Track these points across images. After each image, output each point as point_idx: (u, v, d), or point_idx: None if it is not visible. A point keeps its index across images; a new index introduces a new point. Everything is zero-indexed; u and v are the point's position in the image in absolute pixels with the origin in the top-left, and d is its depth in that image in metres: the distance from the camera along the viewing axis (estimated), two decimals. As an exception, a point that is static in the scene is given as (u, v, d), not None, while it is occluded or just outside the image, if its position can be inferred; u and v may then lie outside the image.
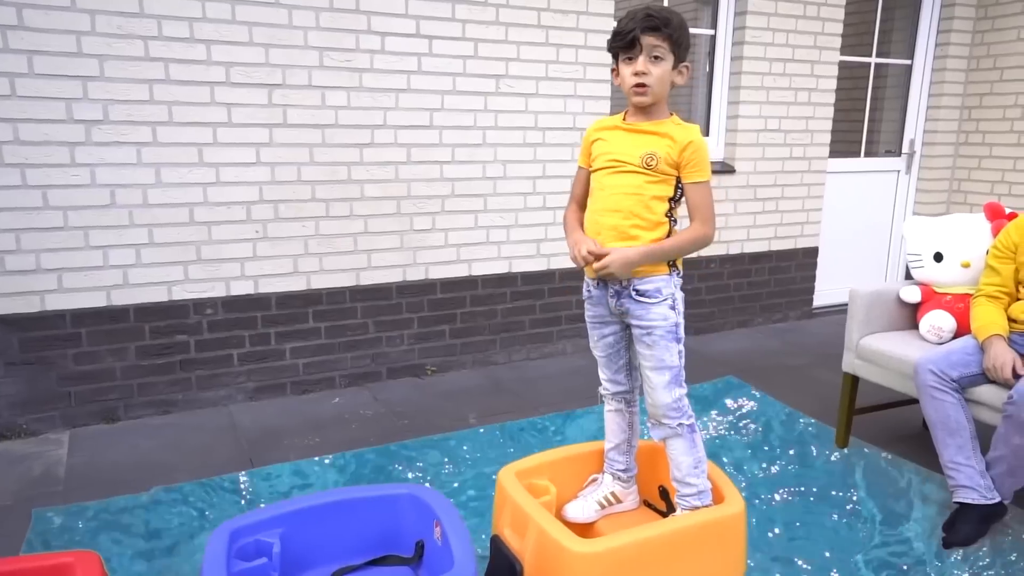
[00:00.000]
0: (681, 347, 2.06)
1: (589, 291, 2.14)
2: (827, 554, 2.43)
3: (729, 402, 3.65)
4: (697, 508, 2.11)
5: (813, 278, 5.27)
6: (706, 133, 4.82)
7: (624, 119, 2.07)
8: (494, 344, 4.26)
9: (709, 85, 4.74)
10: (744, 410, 3.56)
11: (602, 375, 2.25)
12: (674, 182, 1.99)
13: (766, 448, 3.18)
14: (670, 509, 2.30)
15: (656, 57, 1.92)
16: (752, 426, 3.40)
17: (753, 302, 5.09)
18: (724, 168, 4.76)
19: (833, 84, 4.93)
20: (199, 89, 3.31)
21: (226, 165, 3.42)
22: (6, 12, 2.93)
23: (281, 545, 1.85)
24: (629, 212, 1.97)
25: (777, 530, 2.57)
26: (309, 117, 3.54)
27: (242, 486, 2.81)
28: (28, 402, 3.23)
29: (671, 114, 2.04)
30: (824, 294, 5.42)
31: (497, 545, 2.02)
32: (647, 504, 2.39)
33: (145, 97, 3.21)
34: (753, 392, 3.76)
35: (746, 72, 4.63)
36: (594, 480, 2.36)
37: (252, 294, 3.59)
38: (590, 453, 2.38)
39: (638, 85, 1.94)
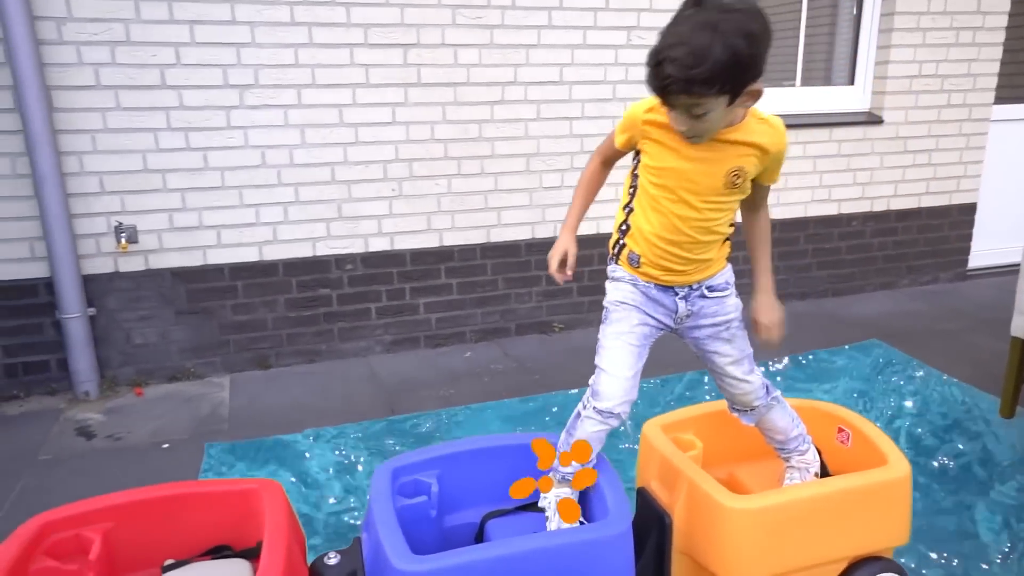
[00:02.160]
0: (747, 334, 1.88)
1: (647, 288, 1.78)
2: (991, 529, 2.27)
3: (874, 366, 3.45)
4: (804, 452, 2.03)
5: (969, 237, 4.85)
6: (850, 80, 4.49)
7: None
8: (621, 303, 4.22)
9: (856, 28, 4.40)
10: (892, 375, 3.36)
11: (614, 383, 1.73)
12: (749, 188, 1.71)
13: (920, 416, 2.99)
14: (823, 471, 2.21)
15: (698, 115, 1.50)
16: (902, 392, 3.20)
17: (899, 262, 4.75)
18: (870, 119, 4.43)
19: (1003, 21, 4.44)
20: (339, 51, 3.42)
21: (364, 125, 3.54)
22: (170, -16, 3.14)
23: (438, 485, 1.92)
24: (700, 240, 1.69)
25: (940, 502, 2.42)
26: (442, 75, 3.59)
27: (388, 430, 2.96)
28: (195, 348, 3.53)
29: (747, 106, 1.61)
30: (981, 255, 4.97)
31: (644, 498, 2.00)
32: None
33: (291, 61, 3.36)
34: (901, 356, 3.53)
35: (900, 12, 4.26)
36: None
37: (388, 250, 3.73)
38: None
39: (686, 137, 1.59)
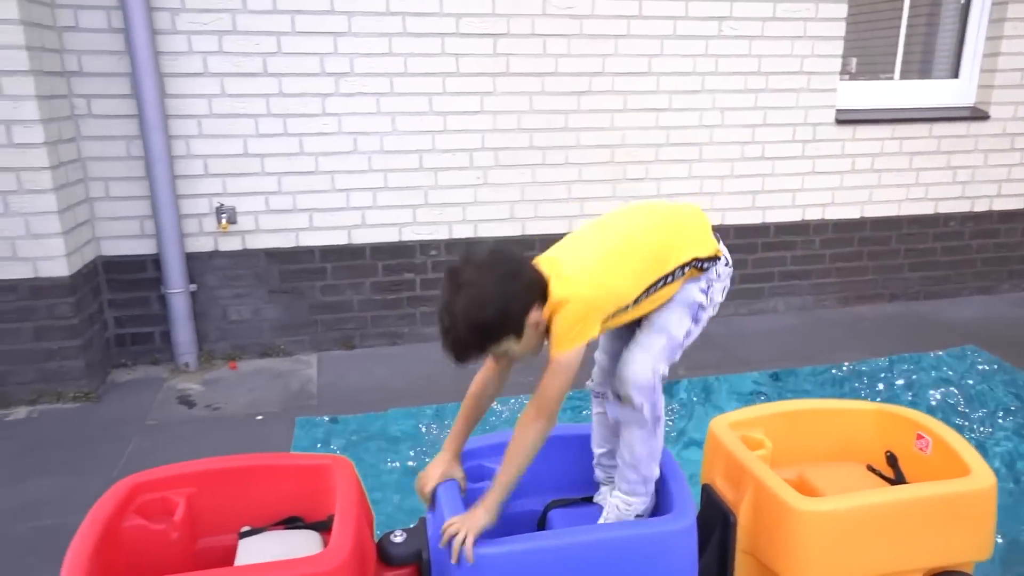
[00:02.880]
0: (692, 328, 1.74)
1: None
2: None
3: (969, 374, 3.30)
4: (637, 494, 1.79)
5: (1079, 242, 4.57)
6: (954, 73, 4.28)
7: None
8: (701, 297, 4.16)
9: (963, 18, 4.18)
10: (989, 384, 3.21)
11: (600, 350, 1.86)
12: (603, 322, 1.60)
13: (1019, 428, 2.85)
14: (899, 478, 2.14)
15: (500, 355, 1.59)
16: (1000, 401, 3.06)
17: (999, 266, 4.52)
18: (975, 114, 4.22)
19: None
20: (431, 40, 3.49)
21: (452, 113, 3.60)
22: (274, -24, 3.26)
23: None
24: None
25: (1034, 515, 2.32)
26: (530, 66, 3.61)
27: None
28: (285, 326, 3.68)
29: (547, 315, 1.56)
30: (1091, 260, 4.68)
31: (709, 494, 1.99)
32: (871, 470, 2.25)
33: (385, 50, 3.45)
34: (1002, 364, 3.37)
35: (1014, 0, 4.03)
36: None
37: (472, 237, 3.79)
38: (814, 411, 2.25)
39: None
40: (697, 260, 1.70)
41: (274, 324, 3.67)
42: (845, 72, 4.01)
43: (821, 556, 1.76)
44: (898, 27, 4.15)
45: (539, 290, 1.55)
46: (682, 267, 1.68)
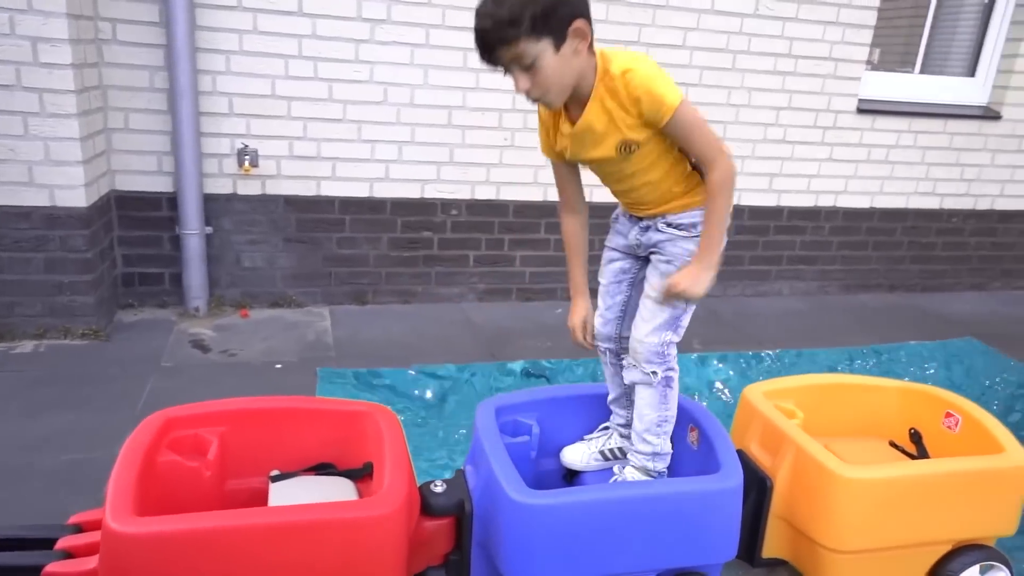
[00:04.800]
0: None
1: (617, 216, 1.84)
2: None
3: (971, 364, 3.41)
4: (649, 472, 1.83)
5: (1071, 246, 4.73)
6: (971, 72, 4.37)
7: (564, 116, 1.62)
8: (711, 276, 4.20)
9: (985, 17, 4.25)
10: (991, 374, 3.32)
11: (597, 310, 1.88)
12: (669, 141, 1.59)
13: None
14: (922, 454, 2.20)
15: (527, 66, 1.46)
16: (1003, 391, 3.17)
17: (994, 264, 4.66)
18: (987, 113, 4.31)
19: None
20: (469, -5, 3.40)
21: (485, 71, 3.50)
22: (315, -89, 3.14)
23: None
24: (640, 187, 1.66)
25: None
26: (567, 29, 3.56)
27: (489, 373, 3.01)
28: (298, 276, 3.60)
29: (595, 68, 1.53)
30: (1078, 265, 4.85)
31: (744, 460, 2.01)
32: (893, 445, 2.31)
33: None
34: (999, 357, 3.48)
35: (1037, 4, 4.12)
36: (605, 428, 2.02)
37: (493, 200, 3.75)
38: (841, 386, 2.29)
39: (534, 100, 1.54)
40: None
41: (287, 273, 3.59)
42: (868, 62, 4.05)
43: (860, 522, 1.81)
44: (923, 20, 4.20)
45: (588, 18, 1.48)
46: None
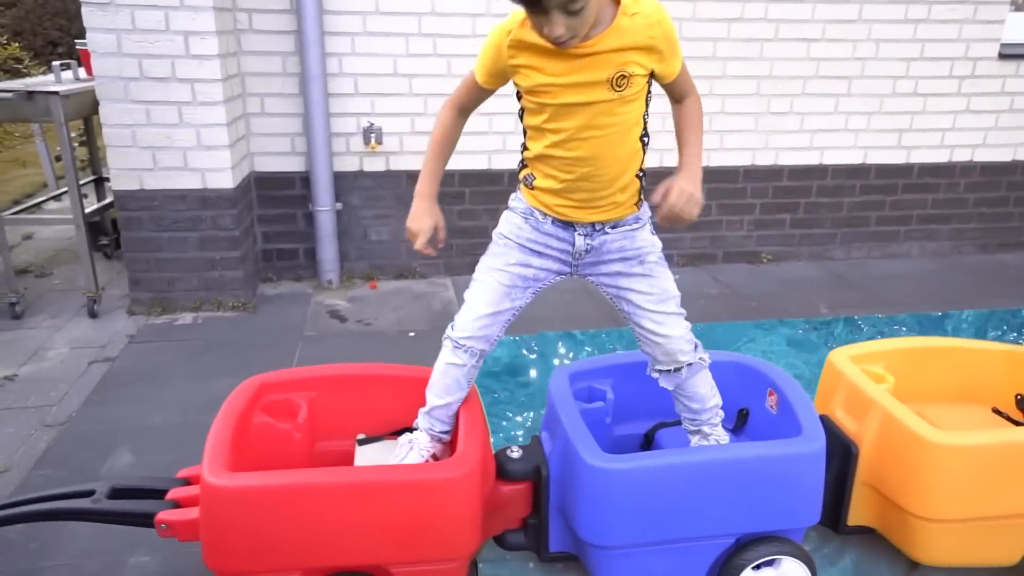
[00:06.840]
0: (670, 271, 1.71)
1: (531, 218, 1.64)
2: None
3: None
4: (720, 422, 1.84)
5: None
6: None
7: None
8: (834, 238, 4.06)
9: None
10: None
11: (469, 315, 1.71)
12: (645, 93, 1.54)
13: None
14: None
15: (576, 10, 1.34)
16: None
17: None
18: None
19: None
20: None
21: (600, 38, 3.51)
22: None
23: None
24: (610, 171, 1.56)
25: None
26: (683, -11, 3.49)
27: (618, 337, 3.06)
28: (422, 249, 3.73)
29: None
30: None
31: (828, 425, 1.91)
32: (997, 412, 2.17)
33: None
34: None
35: None
36: (408, 440, 1.79)
37: (609, 167, 3.74)
38: (937, 349, 2.17)
39: (562, 43, 1.40)
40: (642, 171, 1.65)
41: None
42: (1013, 1, 3.76)
43: (951, 490, 1.73)
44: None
45: None
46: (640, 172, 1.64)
